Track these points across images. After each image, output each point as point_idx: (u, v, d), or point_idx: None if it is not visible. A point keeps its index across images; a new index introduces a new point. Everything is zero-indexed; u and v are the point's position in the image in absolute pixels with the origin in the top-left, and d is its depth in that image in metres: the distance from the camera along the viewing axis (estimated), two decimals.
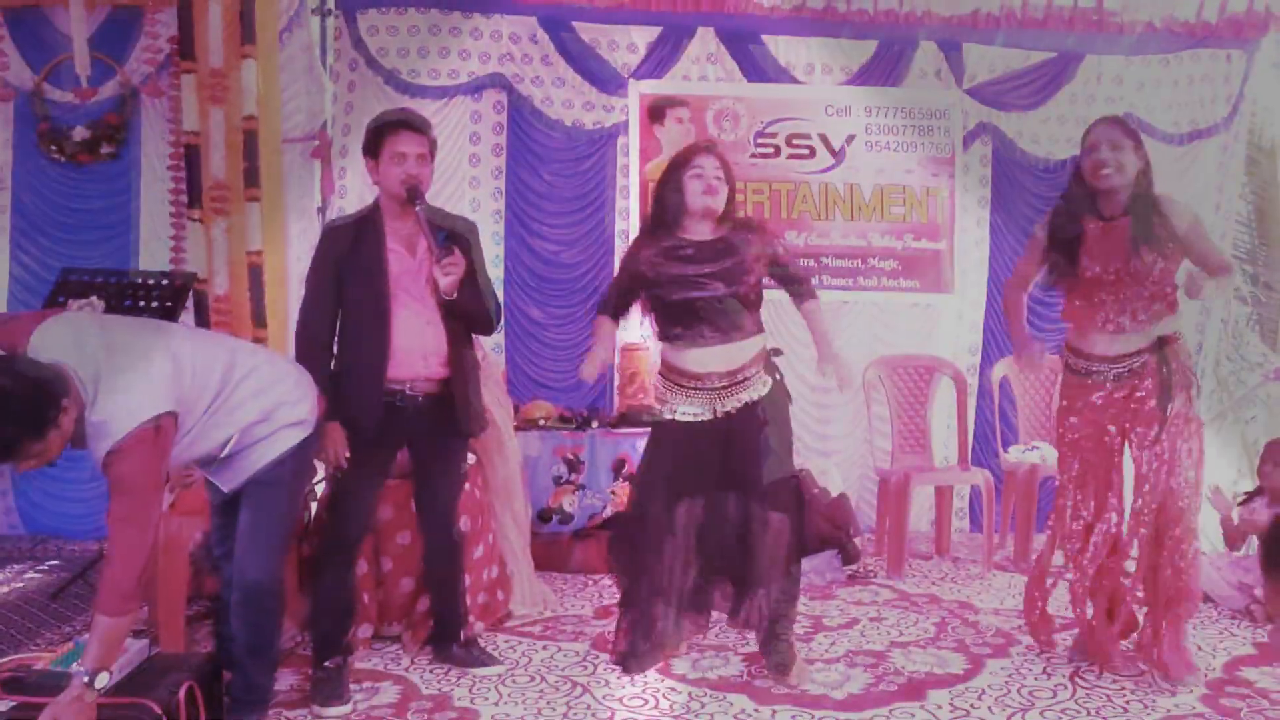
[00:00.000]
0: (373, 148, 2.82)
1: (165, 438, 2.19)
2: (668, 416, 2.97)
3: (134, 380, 2.17)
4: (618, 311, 3.11)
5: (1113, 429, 2.94)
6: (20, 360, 2.09)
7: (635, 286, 3.01)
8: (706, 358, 2.89)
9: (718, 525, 2.97)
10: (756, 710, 2.76)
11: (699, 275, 2.86)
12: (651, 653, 3.02)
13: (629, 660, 3.02)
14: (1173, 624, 2.91)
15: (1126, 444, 2.94)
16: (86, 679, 2.06)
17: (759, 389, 2.92)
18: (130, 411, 2.13)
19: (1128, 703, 2.77)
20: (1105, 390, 2.93)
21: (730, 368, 2.89)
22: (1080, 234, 2.90)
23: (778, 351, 3.03)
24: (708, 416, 2.91)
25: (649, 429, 3.18)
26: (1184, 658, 2.92)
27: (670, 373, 2.98)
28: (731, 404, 2.90)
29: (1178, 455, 2.84)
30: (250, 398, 2.41)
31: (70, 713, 2.03)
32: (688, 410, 2.93)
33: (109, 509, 2.15)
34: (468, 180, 5.01)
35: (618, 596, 3.17)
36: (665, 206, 2.96)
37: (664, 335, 2.98)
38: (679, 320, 2.91)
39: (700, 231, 2.95)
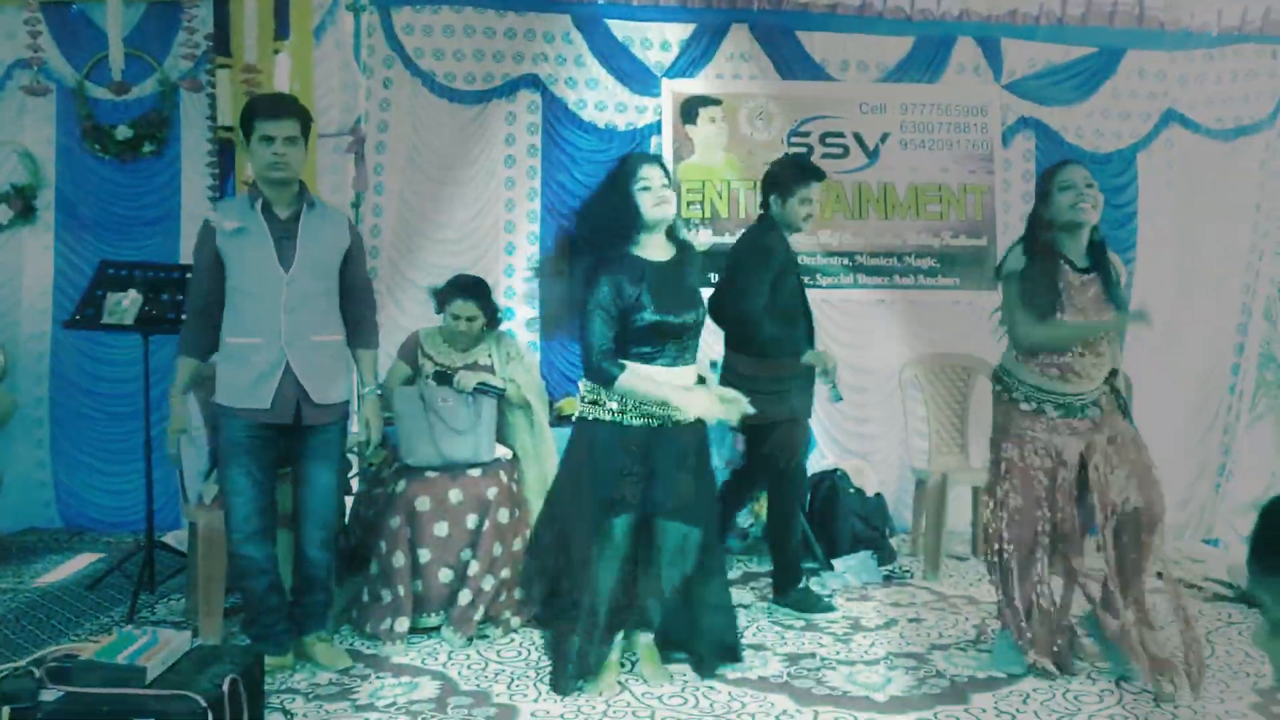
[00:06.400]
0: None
1: None
2: (608, 419, 2.82)
3: None
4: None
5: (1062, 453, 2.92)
6: None
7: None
8: (666, 376, 2.79)
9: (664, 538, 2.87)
10: (799, 710, 2.73)
11: (673, 300, 2.79)
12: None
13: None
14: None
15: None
16: (365, 390, 3.12)
17: None
18: None
19: (1176, 709, 2.72)
20: (1060, 420, 2.93)
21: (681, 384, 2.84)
22: (1064, 286, 2.90)
23: (700, 380, 2.95)
24: (658, 424, 2.81)
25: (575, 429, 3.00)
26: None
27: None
28: (678, 415, 2.82)
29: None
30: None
31: (369, 412, 3.12)
32: (637, 416, 2.80)
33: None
34: (503, 181, 5.00)
35: None
36: (616, 220, 2.83)
37: (626, 353, 2.79)
38: (646, 340, 2.79)
39: (654, 250, 2.85)
